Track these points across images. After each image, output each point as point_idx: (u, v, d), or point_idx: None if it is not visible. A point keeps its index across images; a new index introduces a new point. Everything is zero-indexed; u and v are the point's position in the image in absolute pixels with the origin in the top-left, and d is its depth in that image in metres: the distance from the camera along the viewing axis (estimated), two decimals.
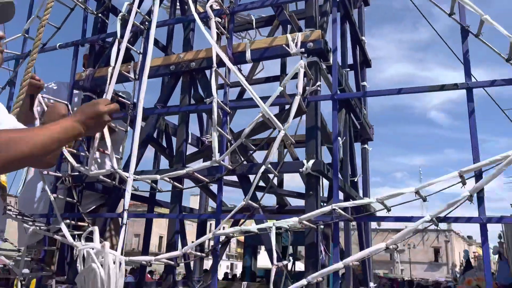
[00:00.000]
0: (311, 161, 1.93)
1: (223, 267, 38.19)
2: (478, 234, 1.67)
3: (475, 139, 1.72)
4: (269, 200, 3.73)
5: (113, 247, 2.15)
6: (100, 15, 2.89)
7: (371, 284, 2.94)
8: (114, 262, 1.63)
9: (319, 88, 2.10)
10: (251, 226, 1.94)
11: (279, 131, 1.85)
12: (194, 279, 3.35)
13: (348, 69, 2.68)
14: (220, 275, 16.55)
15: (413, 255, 42.01)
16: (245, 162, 2.19)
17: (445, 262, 41.24)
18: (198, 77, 2.43)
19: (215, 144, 1.88)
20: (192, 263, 3.50)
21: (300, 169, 1.96)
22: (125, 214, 1.87)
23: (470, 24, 1.95)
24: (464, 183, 1.64)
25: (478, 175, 1.67)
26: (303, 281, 1.61)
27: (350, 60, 3.26)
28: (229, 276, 16.05)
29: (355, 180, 2.88)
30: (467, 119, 1.75)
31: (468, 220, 1.65)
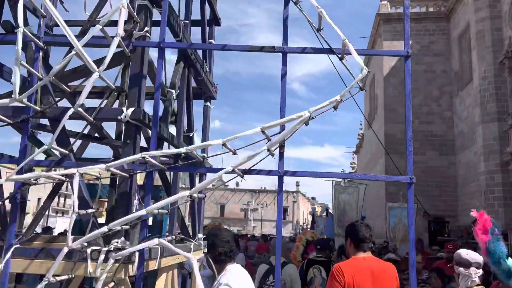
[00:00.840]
0: (131, 109, 1.86)
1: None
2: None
3: (284, 100, 1.87)
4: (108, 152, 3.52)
5: None
6: None
7: (199, 235, 3.07)
8: None
9: (148, 34, 2.01)
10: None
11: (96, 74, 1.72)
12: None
13: (187, 21, 2.61)
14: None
15: (264, 213, 45.94)
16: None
17: (291, 220, 46.25)
18: (11, 3, 2.09)
19: (16, 81, 1.66)
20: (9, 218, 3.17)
21: (119, 117, 1.88)
22: None
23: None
24: (268, 139, 1.78)
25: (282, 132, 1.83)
26: (104, 229, 1.58)
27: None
28: None
29: (191, 135, 2.91)
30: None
31: (268, 172, 1.81)
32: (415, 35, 23.04)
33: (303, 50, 1.89)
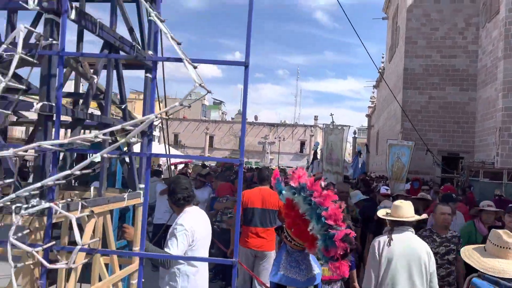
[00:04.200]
0: (40, 104, 2.50)
1: None
2: None
3: None
4: None
5: None
6: None
7: (140, 185, 3.81)
8: None
9: (54, 42, 2.57)
10: None
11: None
12: None
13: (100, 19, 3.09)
14: None
15: (282, 146, 47.55)
16: None
17: (308, 153, 47.59)
18: None
19: None
20: None
21: (31, 109, 2.53)
22: None
23: None
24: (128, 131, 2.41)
25: None
26: (35, 185, 2.30)
27: None
28: None
29: (123, 107, 3.51)
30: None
31: (137, 154, 2.46)
32: None
33: None
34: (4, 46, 2.31)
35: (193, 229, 3.53)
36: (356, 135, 29.48)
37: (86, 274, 3.31)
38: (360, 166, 15.90)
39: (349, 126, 10.78)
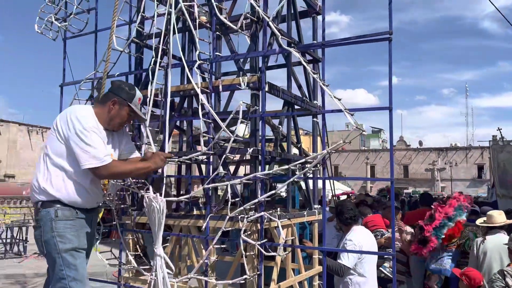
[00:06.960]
0: (251, 149, 3.99)
1: None
2: None
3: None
4: None
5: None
6: (139, 54, 4.90)
7: (315, 206, 5.04)
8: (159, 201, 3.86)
9: (257, 107, 4.05)
10: None
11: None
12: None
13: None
14: None
15: (455, 172, 43.64)
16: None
17: (488, 179, 42.65)
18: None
19: (202, 147, 4.00)
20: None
21: (246, 153, 4.05)
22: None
23: None
24: (308, 163, 3.68)
25: None
26: (252, 202, 3.81)
27: None
28: None
29: (299, 146, 4.88)
30: None
31: (316, 178, 3.71)
32: None
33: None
34: (231, 115, 3.89)
35: (361, 243, 4.37)
36: None
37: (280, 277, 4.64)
38: None
39: None
